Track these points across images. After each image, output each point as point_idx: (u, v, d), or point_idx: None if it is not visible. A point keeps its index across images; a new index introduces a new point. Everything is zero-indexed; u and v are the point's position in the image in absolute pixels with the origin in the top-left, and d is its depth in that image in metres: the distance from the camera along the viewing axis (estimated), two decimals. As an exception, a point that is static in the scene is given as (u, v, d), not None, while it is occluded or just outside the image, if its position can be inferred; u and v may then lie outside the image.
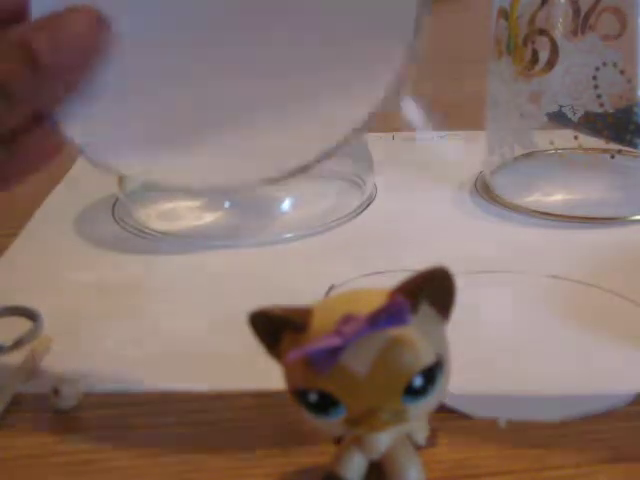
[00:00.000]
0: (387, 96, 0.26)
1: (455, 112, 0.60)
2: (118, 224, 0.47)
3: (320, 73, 0.27)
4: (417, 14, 0.26)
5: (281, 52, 0.27)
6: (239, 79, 0.28)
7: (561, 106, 0.45)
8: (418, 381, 0.24)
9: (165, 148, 0.28)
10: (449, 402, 0.30)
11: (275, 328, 0.25)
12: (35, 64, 0.25)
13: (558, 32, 0.44)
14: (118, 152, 0.28)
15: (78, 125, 0.28)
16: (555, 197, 0.48)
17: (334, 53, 0.27)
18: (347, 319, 0.23)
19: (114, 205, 0.50)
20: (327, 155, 0.27)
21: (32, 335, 0.36)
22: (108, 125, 0.28)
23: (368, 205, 0.48)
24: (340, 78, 0.27)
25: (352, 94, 0.27)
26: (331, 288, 0.39)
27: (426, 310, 0.24)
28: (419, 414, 0.25)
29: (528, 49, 0.45)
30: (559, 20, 0.44)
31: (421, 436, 0.28)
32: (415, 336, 0.24)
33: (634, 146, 0.47)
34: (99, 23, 0.26)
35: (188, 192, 0.29)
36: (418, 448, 0.27)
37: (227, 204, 0.47)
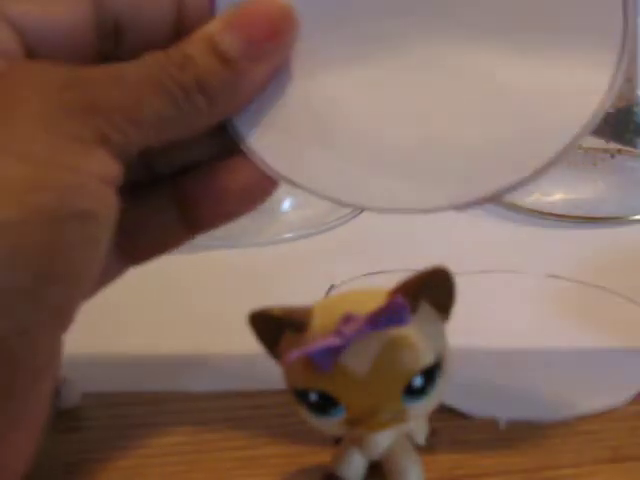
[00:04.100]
0: (582, 133, 0.25)
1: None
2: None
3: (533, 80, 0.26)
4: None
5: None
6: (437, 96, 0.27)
7: (561, 106, 0.45)
8: (418, 381, 0.24)
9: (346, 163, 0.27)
10: (449, 402, 0.30)
11: (275, 328, 0.25)
12: (228, 62, 0.24)
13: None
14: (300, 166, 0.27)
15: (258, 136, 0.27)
16: (555, 197, 0.48)
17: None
18: (347, 319, 0.23)
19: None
20: (541, 172, 0.26)
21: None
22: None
23: (368, 205, 0.48)
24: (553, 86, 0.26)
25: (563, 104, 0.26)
26: (331, 288, 0.39)
27: (426, 310, 0.24)
28: (419, 414, 0.25)
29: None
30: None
31: (421, 436, 0.28)
32: (415, 336, 0.24)
33: (634, 146, 0.47)
34: (286, 13, 0.25)
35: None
36: (418, 448, 0.27)
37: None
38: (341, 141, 0.27)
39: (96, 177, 0.22)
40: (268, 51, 0.25)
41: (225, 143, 0.27)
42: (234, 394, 0.32)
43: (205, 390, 0.32)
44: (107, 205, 0.23)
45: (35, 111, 0.22)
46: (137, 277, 0.42)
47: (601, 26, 0.25)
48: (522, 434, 0.29)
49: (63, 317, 0.22)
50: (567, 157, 0.26)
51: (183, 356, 0.35)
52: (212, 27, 0.25)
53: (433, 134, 0.27)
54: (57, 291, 0.22)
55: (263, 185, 0.27)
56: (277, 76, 0.26)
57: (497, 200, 0.26)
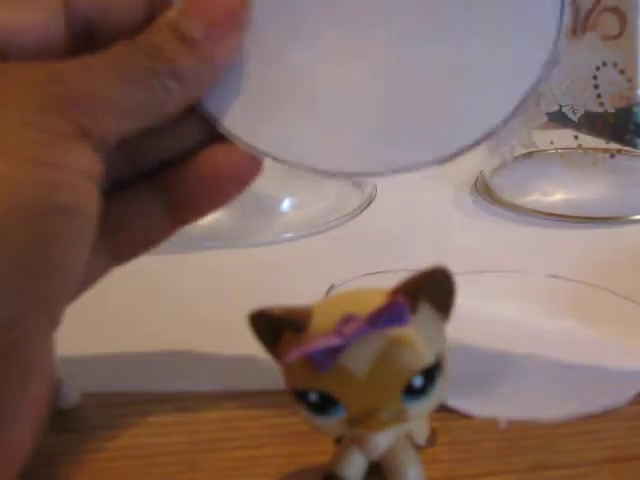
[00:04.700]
0: (543, 74, 0.27)
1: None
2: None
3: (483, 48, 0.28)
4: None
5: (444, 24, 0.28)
6: (397, 58, 0.28)
7: (561, 106, 0.45)
8: (418, 381, 0.24)
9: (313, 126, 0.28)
10: (449, 402, 0.30)
11: (275, 328, 0.25)
12: (192, 44, 0.25)
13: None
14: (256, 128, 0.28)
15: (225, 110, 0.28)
16: (555, 197, 0.48)
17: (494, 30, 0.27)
18: (347, 319, 0.23)
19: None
20: (491, 133, 0.27)
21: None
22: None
23: (368, 205, 0.48)
24: (500, 54, 0.27)
25: (510, 71, 0.27)
26: (331, 288, 0.39)
27: (426, 310, 0.24)
28: (419, 414, 0.25)
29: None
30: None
31: (421, 436, 0.28)
32: (415, 336, 0.24)
33: (634, 146, 0.47)
34: None
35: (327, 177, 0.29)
36: (418, 448, 0.27)
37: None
38: (312, 109, 0.28)
39: (78, 173, 0.23)
40: (227, 30, 0.26)
41: (205, 132, 0.28)
42: (234, 394, 0.32)
43: (205, 390, 0.32)
44: (90, 200, 0.23)
45: (15, 110, 0.23)
46: (137, 277, 0.42)
47: None
48: (522, 434, 0.29)
49: (50, 312, 0.23)
50: (538, 90, 0.27)
51: (183, 356, 0.35)
52: (171, 15, 0.26)
53: (407, 94, 0.28)
54: (41, 283, 0.22)
55: (246, 165, 0.28)
56: (240, 54, 0.27)
57: (481, 145, 0.28)
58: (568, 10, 0.27)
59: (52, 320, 0.23)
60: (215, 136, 0.28)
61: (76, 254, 0.23)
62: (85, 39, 0.27)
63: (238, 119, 0.28)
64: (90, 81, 0.24)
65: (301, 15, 0.28)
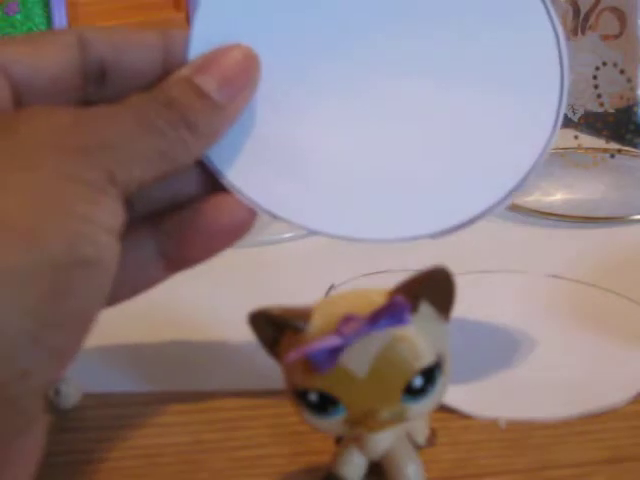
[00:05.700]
0: (551, 138, 0.28)
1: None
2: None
3: (485, 121, 0.29)
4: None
5: (443, 101, 0.28)
6: (398, 129, 0.29)
7: (561, 106, 0.45)
8: (418, 381, 0.24)
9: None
10: (449, 402, 0.30)
11: (275, 328, 0.25)
12: (206, 98, 0.27)
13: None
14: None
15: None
16: (555, 197, 0.48)
17: (496, 103, 0.29)
18: (347, 319, 0.23)
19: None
20: (488, 212, 0.28)
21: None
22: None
23: (368, 205, 0.48)
24: (503, 126, 0.29)
25: (516, 140, 0.28)
26: (331, 288, 0.39)
27: (426, 310, 0.24)
28: (419, 414, 0.25)
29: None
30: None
31: (421, 436, 0.28)
32: (415, 336, 0.24)
33: (634, 146, 0.47)
34: (252, 57, 0.28)
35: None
36: (418, 448, 0.27)
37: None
38: (313, 173, 0.29)
39: (103, 226, 0.23)
40: (238, 86, 0.27)
41: (205, 182, 0.29)
42: (234, 394, 0.32)
43: (206, 390, 0.32)
44: (111, 254, 0.23)
45: (46, 156, 0.23)
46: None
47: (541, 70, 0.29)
48: (522, 434, 0.29)
49: (62, 363, 0.23)
50: (539, 169, 0.29)
51: (183, 356, 0.35)
52: (186, 71, 0.27)
53: (407, 169, 0.29)
54: (57, 335, 0.22)
55: (243, 218, 0.29)
56: (247, 113, 0.28)
57: (473, 224, 0.29)
58: (565, 101, 0.29)
59: (62, 370, 0.23)
60: (215, 187, 0.29)
61: (92, 306, 0.23)
62: (98, 85, 0.28)
63: (240, 173, 0.28)
64: (115, 129, 0.25)
65: (306, 78, 0.29)
